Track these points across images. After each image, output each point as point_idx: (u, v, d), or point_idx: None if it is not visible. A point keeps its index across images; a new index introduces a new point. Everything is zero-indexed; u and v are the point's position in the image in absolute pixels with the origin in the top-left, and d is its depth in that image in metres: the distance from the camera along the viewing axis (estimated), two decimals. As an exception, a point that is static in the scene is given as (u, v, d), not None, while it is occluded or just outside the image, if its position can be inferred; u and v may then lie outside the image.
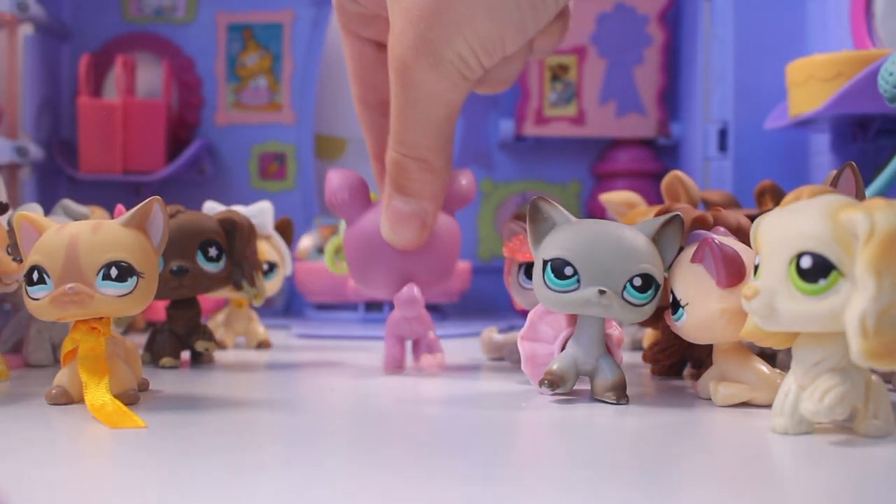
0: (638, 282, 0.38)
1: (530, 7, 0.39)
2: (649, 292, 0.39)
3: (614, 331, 0.42)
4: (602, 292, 0.38)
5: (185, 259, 0.49)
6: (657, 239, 0.40)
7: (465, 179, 0.48)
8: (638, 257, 0.39)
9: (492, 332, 0.55)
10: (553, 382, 0.40)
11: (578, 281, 0.38)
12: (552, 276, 0.39)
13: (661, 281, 0.39)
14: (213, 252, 0.50)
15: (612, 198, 0.60)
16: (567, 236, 0.39)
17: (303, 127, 0.88)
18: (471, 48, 0.40)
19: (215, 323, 0.61)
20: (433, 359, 0.48)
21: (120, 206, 0.50)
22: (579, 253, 0.38)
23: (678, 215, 0.40)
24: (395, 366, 0.49)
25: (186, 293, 0.50)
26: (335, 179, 0.47)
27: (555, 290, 0.39)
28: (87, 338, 0.38)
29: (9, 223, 0.47)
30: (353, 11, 0.44)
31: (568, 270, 0.39)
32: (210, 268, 0.50)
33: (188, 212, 0.51)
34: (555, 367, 0.40)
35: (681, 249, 0.40)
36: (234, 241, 0.51)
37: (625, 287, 0.38)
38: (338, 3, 0.45)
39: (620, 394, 0.40)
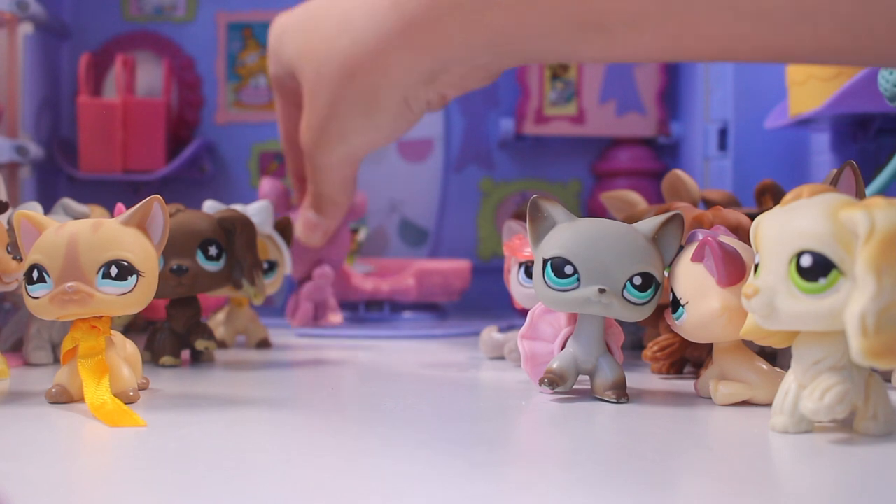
0: (638, 281, 0.38)
1: (389, 129, 0.54)
2: (649, 291, 0.39)
3: (614, 329, 0.42)
4: (602, 291, 0.38)
5: (185, 258, 0.49)
6: (657, 238, 0.40)
7: (358, 199, 0.64)
8: (638, 256, 0.39)
9: (492, 331, 0.55)
10: (553, 381, 0.40)
11: (578, 280, 0.38)
12: (552, 274, 0.39)
13: (661, 280, 0.39)
14: (213, 251, 0.50)
15: (613, 197, 0.60)
16: (567, 235, 0.39)
17: (303, 126, 0.88)
18: (349, 150, 0.56)
19: (215, 322, 0.61)
20: (335, 316, 0.66)
21: (120, 205, 0.50)
22: (579, 252, 0.38)
23: (678, 214, 0.40)
24: (306, 322, 0.64)
25: (186, 292, 0.50)
26: (265, 186, 0.65)
27: (555, 289, 0.39)
28: (86, 336, 0.38)
29: (9, 222, 0.47)
30: (287, 86, 0.59)
31: (568, 269, 0.39)
32: (210, 267, 0.50)
33: (188, 211, 0.51)
34: (555, 365, 0.40)
35: (681, 248, 0.40)
36: (234, 240, 0.51)
37: (625, 286, 0.38)
38: (274, 75, 0.60)
39: (620, 392, 0.40)
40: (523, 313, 0.46)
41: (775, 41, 0.40)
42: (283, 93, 0.61)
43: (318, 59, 0.53)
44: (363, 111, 0.53)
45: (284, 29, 0.58)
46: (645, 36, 0.42)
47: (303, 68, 0.55)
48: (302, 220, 0.62)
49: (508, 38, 0.46)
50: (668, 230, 0.40)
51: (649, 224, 0.40)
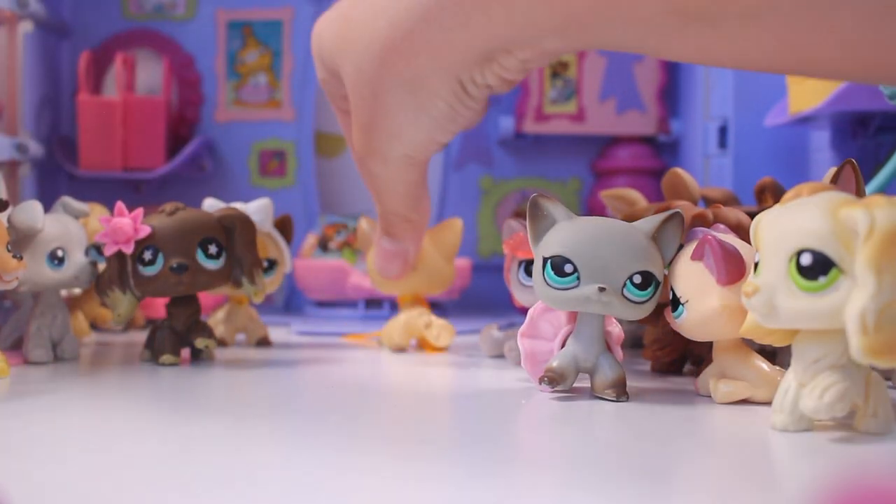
0: (638, 279, 0.38)
1: (447, 119, 0.46)
2: (649, 289, 0.39)
3: (614, 328, 0.42)
4: (602, 290, 0.38)
5: (185, 256, 0.49)
6: (657, 236, 0.40)
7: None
8: (638, 255, 0.39)
9: (492, 329, 0.55)
10: (553, 379, 0.40)
11: (578, 278, 0.38)
12: (552, 273, 0.39)
13: (661, 278, 0.39)
14: (213, 249, 0.50)
15: (612, 195, 0.60)
16: (567, 233, 0.39)
17: (303, 124, 0.88)
18: (406, 150, 0.48)
19: (215, 320, 0.61)
20: None
21: (119, 204, 0.50)
22: (579, 250, 0.38)
23: (678, 212, 0.40)
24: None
25: (186, 290, 0.50)
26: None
27: (555, 288, 0.39)
28: None
29: (8, 220, 0.47)
30: (337, 92, 0.51)
31: (568, 268, 0.39)
32: (210, 265, 0.50)
33: (188, 209, 0.51)
34: (555, 364, 0.40)
35: (681, 247, 0.40)
36: (234, 238, 0.51)
37: (625, 284, 0.38)
38: (323, 82, 0.52)
39: (620, 391, 0.40)
40: (523, 311, 0.46)
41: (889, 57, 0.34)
42: (337, 103, 0.53)
43: (356, 49, 0.46)
44: (413, 101, 0.46)
45: (322, 28, 0.51)
46: (759, 33, 0.35)
47: (343, 64, 0.48)
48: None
49: (584, 23, 0.39)
50: (668, 228, 0.40)
51: (649, 223, 0.40)
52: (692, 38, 0.37)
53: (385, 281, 0.56)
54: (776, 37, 0.35)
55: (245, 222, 0.51)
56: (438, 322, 0.57)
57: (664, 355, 0.48)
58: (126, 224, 0.49)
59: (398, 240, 0.54)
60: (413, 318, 0.57)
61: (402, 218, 0.52)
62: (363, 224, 0.57)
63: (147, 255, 0.49)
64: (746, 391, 0.39)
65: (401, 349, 0.57)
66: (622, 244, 0.39)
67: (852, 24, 0.34)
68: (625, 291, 0.38)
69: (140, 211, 0.49)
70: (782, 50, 0.36)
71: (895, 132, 0.62)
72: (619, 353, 0.41)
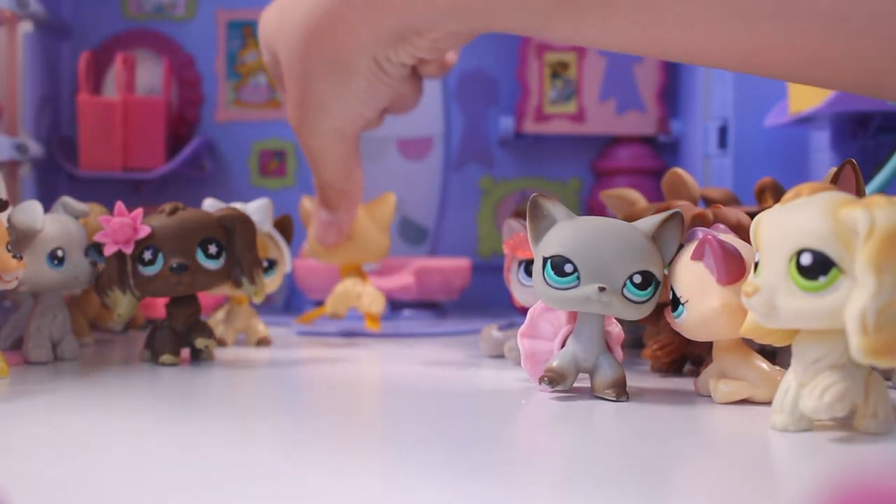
0: (638, 279, 0.38)
1: (368, 95, 0.50)
2: (649, 289, 0.39)
3: (614, 328, 0.42)
4: (602, 289, 0.38)
5: (185, 256, 0.49)
6: (657, 236, 0.40)
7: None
8: (638, 255, 0.39)
9: (492, 330, 0.55)
10: (553, 380, 0.40)
11: (578, 278, 0.38)
12: (552, 273, 0.39)
13: (660, 278, 0.39)
14: (212, 249, 0.50)
15: (613, 195, 0.60)
16: (567, 233, 0.39)
17: (303, 124, 0.88)
18: (334, 124, 0.52)
19: (215, 320, 0.61)
20: None
21: (119, 204, 0.50)
22: (579, 250, 0.38)
23: (678, 212, 0.40)
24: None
25: (186, 290, 0.50)
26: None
27: (555, 288, 0.39)
28: None
29: (8, 220, 0.47)
30: (278, 74, 0.55)
31: (568, 268, 0.39)
32: (210, 265, 0.50)
33: (188, 209, 0.51)
34: (555, 364, 0.40)
35: (681, 246, 0.40)
36: (234, 238, 0.51)
37: (625, 284, 0.38)
38: (268, 64, 0.56)
39: (620, 391, 0.40)
40: (523, 311, 0.46)
41: (748, 44, 0.39)
42: (279, 84, 0.58)
43: (287, 31, 0.51)
44: (336, 76, 0.50)
45: (265, 15, 0.56)
46: (615, 20, 0.41)
47: (278, 46, 0.53)
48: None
49: (476, 7, 0.44)
50: (668, 229, 0.40)
51: (649, 222, 0.40)
52: (565, 22, 0.42)
53: (322, 249, 0.60)
54: (625, 26, 0.40)
55: (245, 222, 0.51)
56: (369, 290, 0.62)
57: (664, 355, 0.48)
58: (126, 224, 0.49)
59: (333, 210, 0.57)
60: (348, 288, 0.62)
61: (336, 189, 0.56)
62: (305, 202, 0.61)
63: (147, 255, 0.49)
64: (746, 391, 0.39)
65: (337, 317, 0.62)
66: (622, 244, 0.39)
67: (684, 8, 0.39)
68: (625, 291, 0.38)
69: (140, 211, 0.49)
70: (635, 38, 0.41)
71: (895, 132, 0.62)
72: (620, 353, 0.41)
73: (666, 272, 0.40)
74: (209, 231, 0.50)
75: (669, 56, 0.46)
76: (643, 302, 0.39)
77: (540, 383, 0.40)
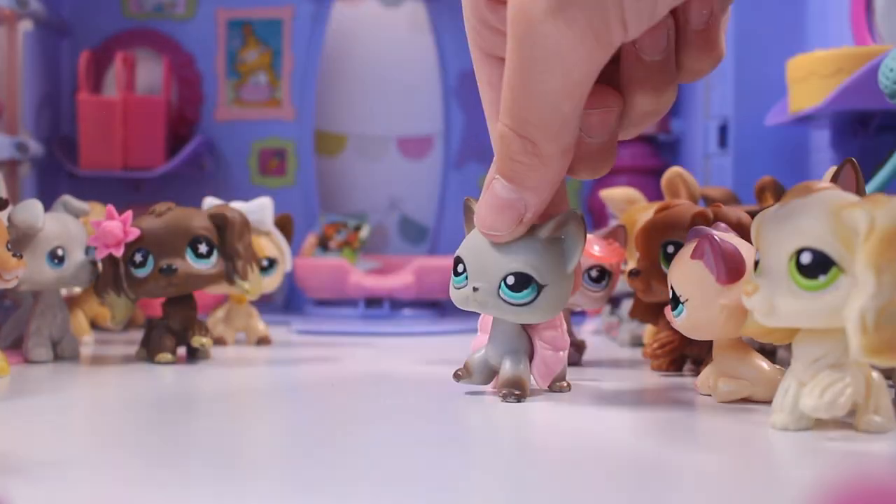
0: (511, 280, 0.38)
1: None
2: (525, 292, 0.38)
3: (548, 332, 0.41)
4: (475, 289, 0.38)
5: (175, 257, 0.49)
6: (561, 239, 0.38)
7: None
8: (514, 256, 0.38)
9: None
10: (457, 374, 0.41)
11: (467, 278, 0.39)
12: (453, 271, 0.40)
13: (546, 281, 0.38)
14: (203, 248, 0.50)
15: (612, 194, 0.60)
16: (470, 235, 0.40)
17: (303, 123, 0.88)
18: (619, 7, 0.32)
19: (215, 319, 0.61)
20: None
21: (110, 207, 0.49)
22: (469, 250, 0.39)
23: (574, 213, 0.38)
24: None
25: (177, 292, 0.50)
26: None
27: (454, 286, 0.40)
28: None
29: (9, 218, 0.47)
30: (490, 29, 0.38)
31: (460, 267, 0.39)
32: (200, 265, 0.50)
33: (178, 209, 0.51)
34: (467, 360, 0.42)
35: (679, 246, 0.40)
36: (225, 236, 0.51)
37: (499, 285, 0.38)
38: (471, 26, 0.39)
39: (509, 392, 0.39)
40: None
41: None
42: (483, 42, 0.39)
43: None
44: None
45: None
46: None
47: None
48: (484, 196, 0.38)
49: None
50: (567, 231, 0.38)
51: (546, 226, 0.38)
52: None
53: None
54: None
55: (235, 219, 0.51)
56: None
57: (664, 355, 0.48)
58: (115, 227, 0.49)
59: (514, 184, 0.37)
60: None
61: (527, 144, 0.36)
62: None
63: (137, 258, 0.49)
64: (746, 390, 0.39)
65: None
66: (503, 245, 0.38)
67: None
68: (500, 293, 0.38)
69: (129, 213, 0.49)
70: None
71: (895, 131, 0.62)
72: (559, 357, 0.40)
73: (666, 272, 0.40)
74: (198, 230, 0.50)
75: None
76: (521, 304, 0.38)
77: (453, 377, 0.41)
